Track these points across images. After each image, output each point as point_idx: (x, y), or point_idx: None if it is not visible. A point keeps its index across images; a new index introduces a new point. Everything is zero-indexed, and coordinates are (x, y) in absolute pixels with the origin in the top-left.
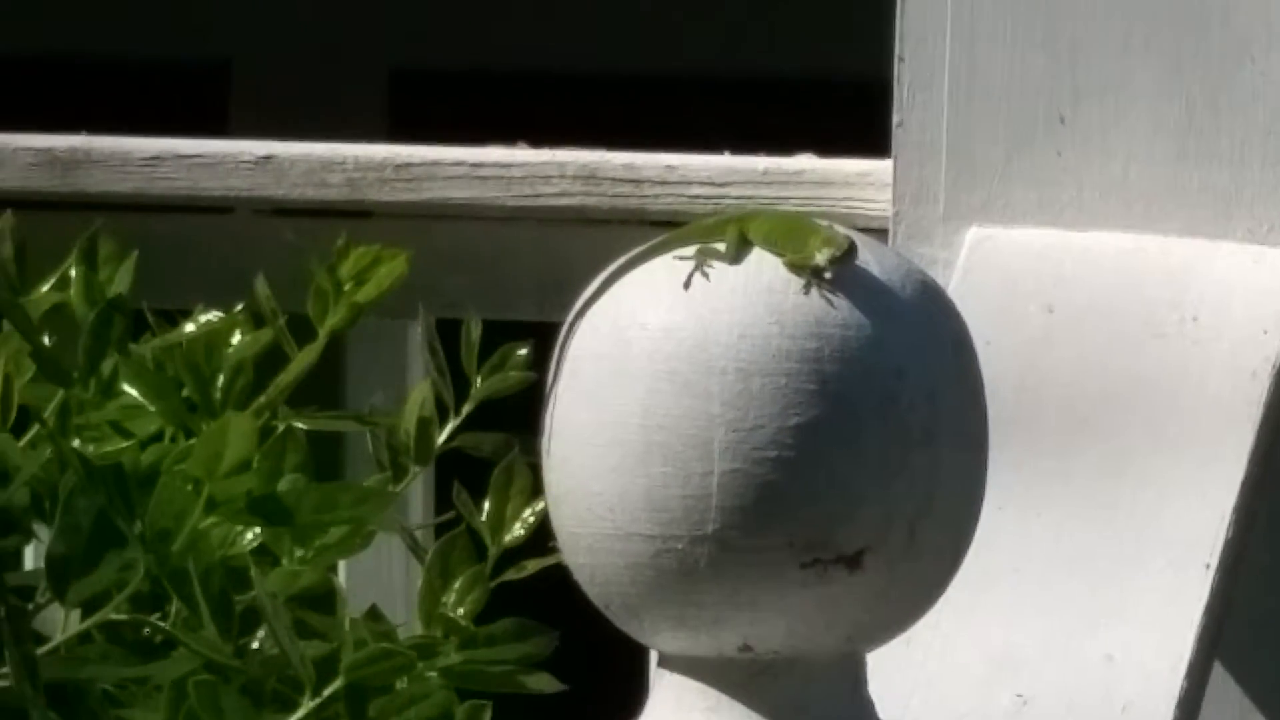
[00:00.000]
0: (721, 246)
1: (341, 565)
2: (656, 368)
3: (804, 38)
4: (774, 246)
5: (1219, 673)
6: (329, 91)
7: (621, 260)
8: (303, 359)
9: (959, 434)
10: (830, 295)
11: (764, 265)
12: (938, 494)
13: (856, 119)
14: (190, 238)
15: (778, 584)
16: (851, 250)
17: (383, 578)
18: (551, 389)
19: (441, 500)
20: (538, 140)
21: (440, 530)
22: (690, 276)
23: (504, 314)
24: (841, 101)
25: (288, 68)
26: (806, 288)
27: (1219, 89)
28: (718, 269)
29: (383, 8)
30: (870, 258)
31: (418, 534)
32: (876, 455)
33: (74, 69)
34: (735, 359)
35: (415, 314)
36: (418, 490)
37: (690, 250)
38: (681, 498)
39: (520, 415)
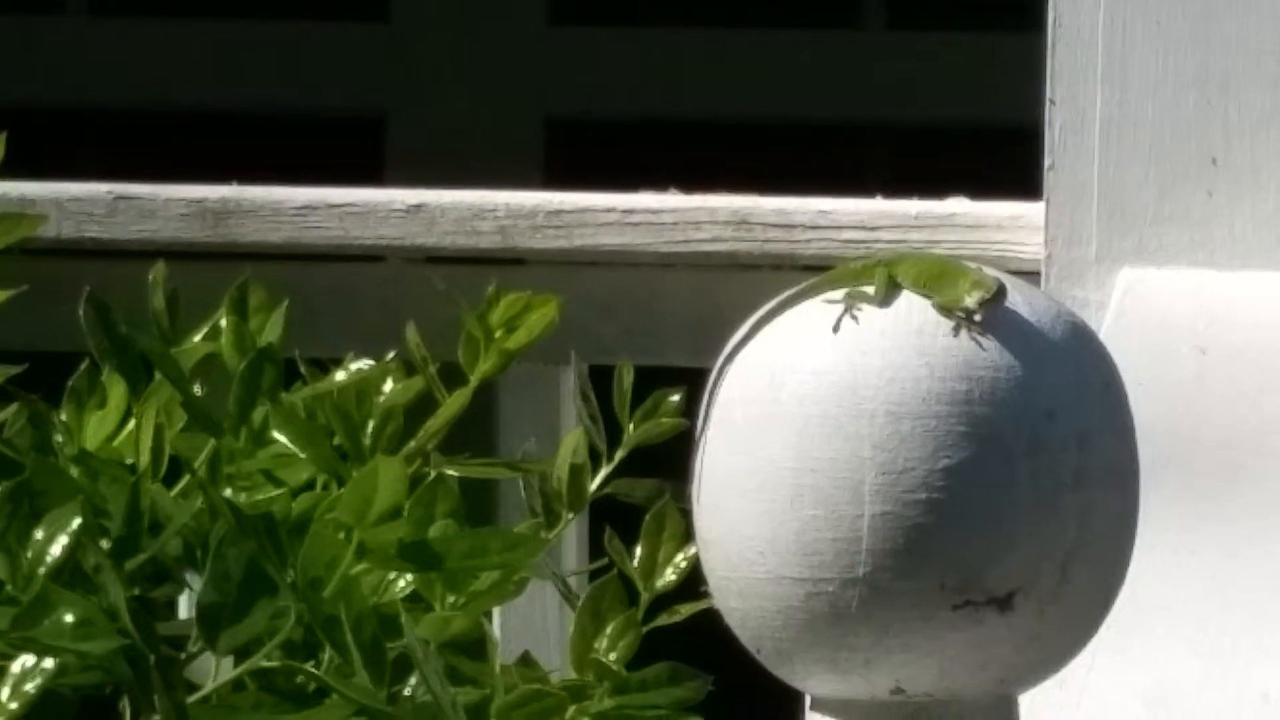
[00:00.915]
0: (870, 289)
1: (496, 613)
2: (807, 411)
3: (958, 83)
4: (922, 289)
5: None
6: (484, 142)
7: (771, 304)
8: (452, 405)
9: (1110, 475)
10: (979, 337)
11: (913, 308)
12: (1089, 535)
13: (1010, 164)
14: (342, 287)
15: (929, 626)
16: (1001, 292)
17: (537, 625)
18: (701, 434)
19: (595, 547)
20: (691, 188)
21: (594, 577)
22: (840, 320)
23: (656, 360)
24: (994, 147)
25: (443, 120)
26: (956, 330)
27: None
28: (866, 312)
29: (539, 58)
30: (1019, 299)
31: (571, 580)
32: (1027, 497)
33: (230, 123)
34: (885, 401)
35: (567, 360)
36: (571, 537)
37: (839, 294)
38: (832, 540)
39: (673, 462)
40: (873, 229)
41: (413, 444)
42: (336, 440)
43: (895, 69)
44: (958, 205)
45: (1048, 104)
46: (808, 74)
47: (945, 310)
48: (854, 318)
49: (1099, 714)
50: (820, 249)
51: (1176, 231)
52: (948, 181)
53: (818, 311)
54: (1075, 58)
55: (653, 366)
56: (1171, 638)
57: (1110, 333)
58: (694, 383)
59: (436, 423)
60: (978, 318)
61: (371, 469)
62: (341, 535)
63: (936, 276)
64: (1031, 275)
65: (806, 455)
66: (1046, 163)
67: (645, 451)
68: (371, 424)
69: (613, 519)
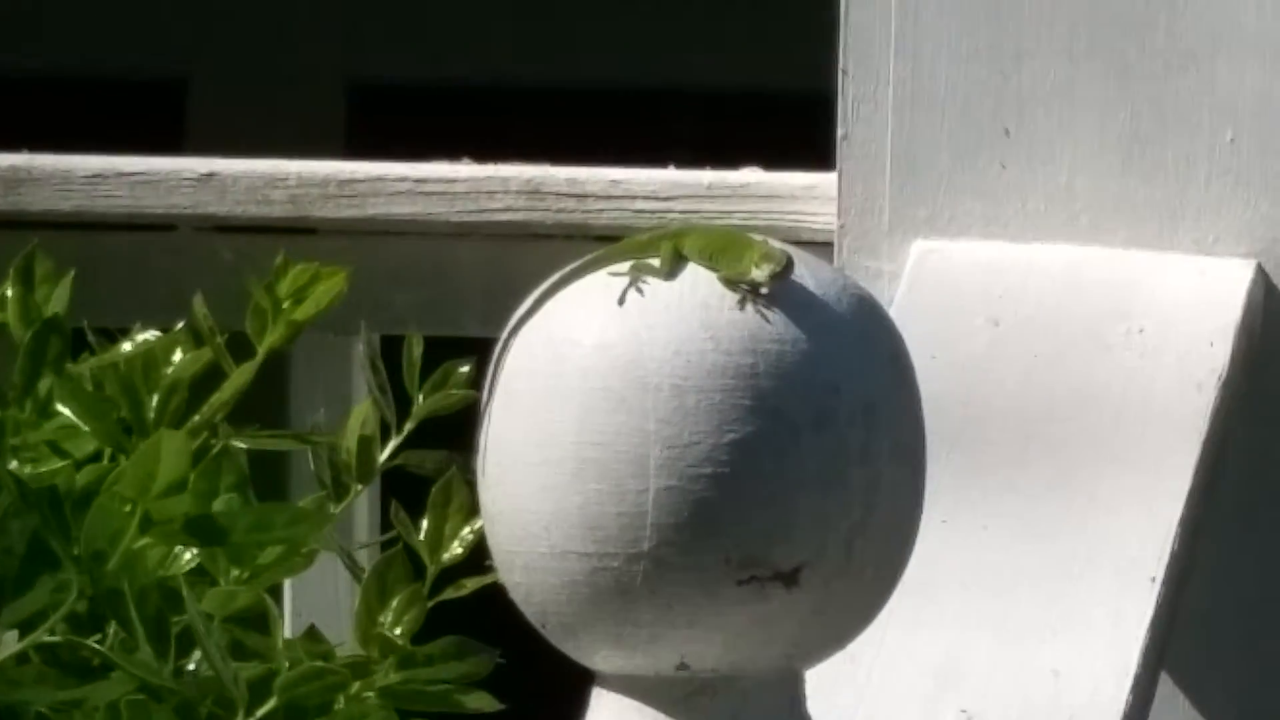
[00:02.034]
0: (656, 262)
1: (287, 587)
2: (591, 384)
3: (750, 51)
4: (709, 262)
5: (1166, 686)
6: (287, 107)
7: (555, 276)
8: (238, 378)
9: (896, 449)
10: (765, 310)
11: (699, 281)
12: (875, 510)
13: (803, 133)
14: (133, 256)
15: (714, 601)
16: (788, 265)
17: (329, 599)
18: (486, 406)
19: (386, 519)
20: (492, 156)
21: (385, 549)
22: (625, 292)
23: (450, 330)
24: (788, 115)
25: (244, 84)
26: (741, 303)
27: (1164, 100)
28: (652, 285)
29: (339, 23)
30: (805, 272)
31: (363, 553)
32: (813, 471)
33: (28, 86)
34: (670, 375)
35: (358, 330)
36: (363, 510)
37: (624, 266)
38: (616, 515)
39: (466, 433)
40: (666, 199)
41: (198, 417)
42: (122, 413)
43: (702, 35)
44: (751, 175)
45: (840, 73)
46: (617, 39)
47: (731, 283)
48: (639, 290)
49: (889, 688)
50: (613, 219)
51: (970, 203)
52: (757, 148)
53: (603, 284)
54: (868, 27)
55: (447, 337)
56: (964, 613)
57: (903, 304)
58: (487, 353)
59: (223, 395)
60: (764, 291)
61: (154, 442)
62: (126, 509)
63: (722, 249)
64: (825, 246)
65: (590, 429)
66: (839, 133)
67: (438, 422)
68: (156, 396)
69: (406, 491)
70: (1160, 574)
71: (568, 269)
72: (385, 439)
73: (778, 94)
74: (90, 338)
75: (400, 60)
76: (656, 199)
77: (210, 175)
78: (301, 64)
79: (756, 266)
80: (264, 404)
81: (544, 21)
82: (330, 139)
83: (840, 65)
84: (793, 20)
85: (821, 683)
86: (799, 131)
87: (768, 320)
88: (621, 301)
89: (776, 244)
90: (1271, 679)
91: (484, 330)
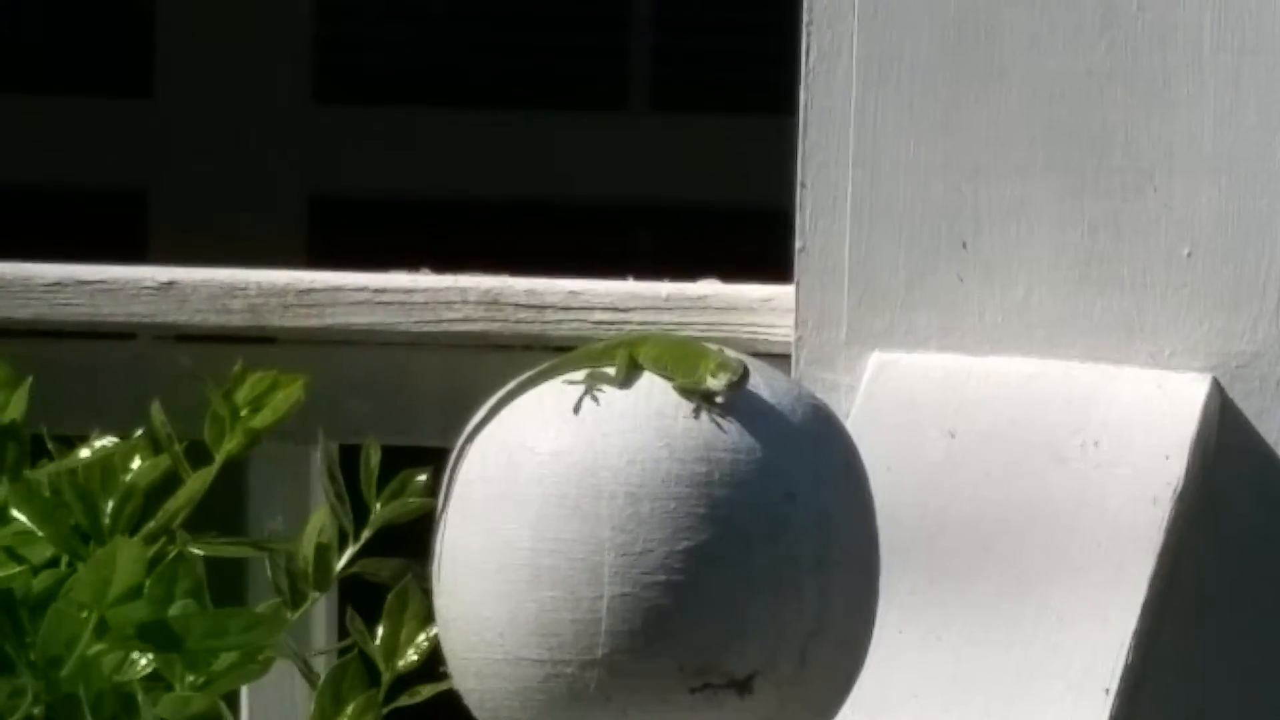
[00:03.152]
0: (611, 370)
1: (244, 692)
2: (546, 491)
3: (710, 166)
4: (664, 370)
5: None
6: (248, 218)
7: (511, 385)
8: (194, 484)
9: (850, 557)
10: (720, 419)
11: (654, 390)
12: (829, 618)
13: (760, 248)
14: (92, 364)
15: (668, 708)
16: (744, 374)
17: (285, 705)
18: (442, 513)
19: (344, 626)
20: (454, 267)
21: (342, 656)
22: (580, 401)
23: (407, 439)
24: (745, 230)
25: (205, 196)
26: (696, 412)
27: (1121, 215)
28: (607, 393)
29: (301, 137)
30: (760, 381)
31: (319, 660)
32: (767, 580)
33: None
34: (625, 483)
35: (317, 438)
36: (320, 617)
37: (580, 374)
38: (571, 621)
39: (423, 540)
40: (624, 310)
41: (153, 523)
42: (78, 519)
43: (659, 151)
44: (709, 287)
45: (799, 186)
46: (574, 155)
47: (686, 392)
48: (594, 399)
49: None
50: (572, 330)
51: (927, 315)
52: (711, 262)
53: (558, 392)
54: (827, 140)
55: (405, 446)
56: None
57: (860, 416)
58: (443, 463)
59: (177, 502)
60: (719, 400)
61: (110, 550)
62: (83, 615)
63: (678, 358)
64: (783, 358)
65: (545, 536)
66: (797, 245)
67: (396, 530)
68: (111, 503)
69: (363, 598)
70: (1114, 685)
71: (524, 376)
72: (343, 547)
73: (735, 209)
74: (49, 444)
75: (361, 174)
76: (615, 310)
77: (170, 284)
78: (263, 176)
79: (713, 375)
80: (222, 513)
81: (505, 136)
82: (291, 251)
83: (799, 179)
84: (752, 136)
85: None
86: (756, 247)
87: (722, 429)
88: (577, 409)
89: (732, 353)
90: None
91: (441, 440)
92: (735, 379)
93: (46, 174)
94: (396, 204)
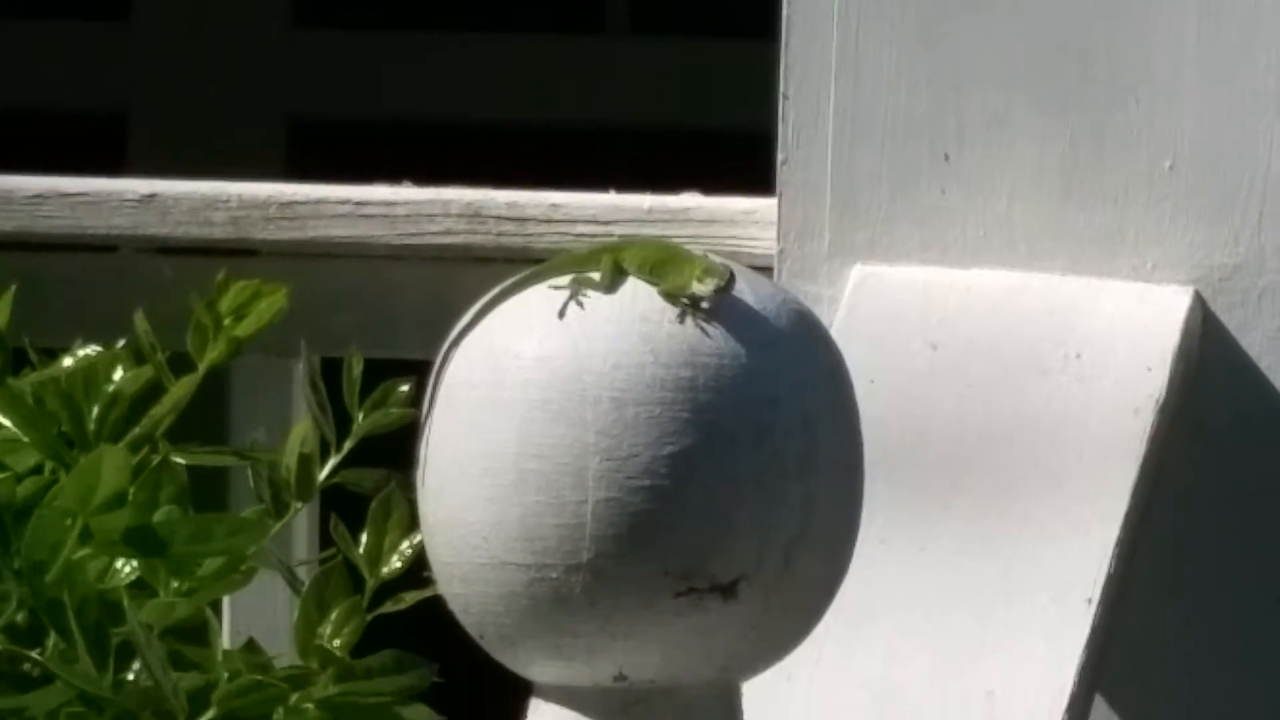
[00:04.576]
0: (596, 276)
1: (225, 604)
2: (531, 397)
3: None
4: (649, 276)
5: (1103, 708)
6: (227, 143)
7: (496, 290)
8: (178, 390)
9: (835, 463)
10: (705, 324)
11: (639, 294)
12: (813, 523)
13: (736, 169)
14: (74, 276)
15: (652, 613)
16: (730, 279)
17: (267, 614)
18: (426, 419)
19: (325, 537)
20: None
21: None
22: (565, 306)
23: (389, 352)
24: (723, 152)
25: (184, 120)
26: (681, 317)
27: (1103, 128)
28: (592, 298)
29: (280, 59)
30: (745, 287)
31: (301, 570)
32: (751, 484)
33: None
34: (610, 388)
35: (299, 352)
36: (302, 526)
37: (565, 279)
38: (556, 526)
39: (403, 452)
40: (606, 223)
41: (138, 430)
42: (63, 427)
43: (639, 73)
44: (691, 200)
45: (781, 99)
46: (553, 77)
47: (671, 297)
48: (579, 304)
49: (825, 707)
50: (553, 242)
51: (909, 228)
52: (691, 185)
53: (543, 297)
54: (809, 52)
55: (386, 359)
56: (900, 633)
57: (842, 328)
58: (426, 374)
59: (163, 409)
60: (704, 305)
61: (95, 456)
62: (67, 521)
63: (662, 263)
64: (764, 271)
65: (530, 441)
66: (779, 157)
67: (376, 442)
68: (96, 410)
69: (344, 510)
70: (1096, 595)
71: (509, 282)
72: (325, 458)
73: (714, 132)
74: (32, 355)
75: (340, 97)
76: (597, 223)
77: (152, 196)
78: (242, 100)
79: (698, 281)
80: (204, 426)
81: (484, 60)
82: (270, 174)
83: (781, 90)
84: (731, 59)
85: (758, 699)
86: (736, 169)
87: (707, 334)
88: (562, 315)
89: (717, 259)
90: (1207, 699)
91: (423, 352)
92: (721, 284)
93: (26, 96)
94: (375, 128)
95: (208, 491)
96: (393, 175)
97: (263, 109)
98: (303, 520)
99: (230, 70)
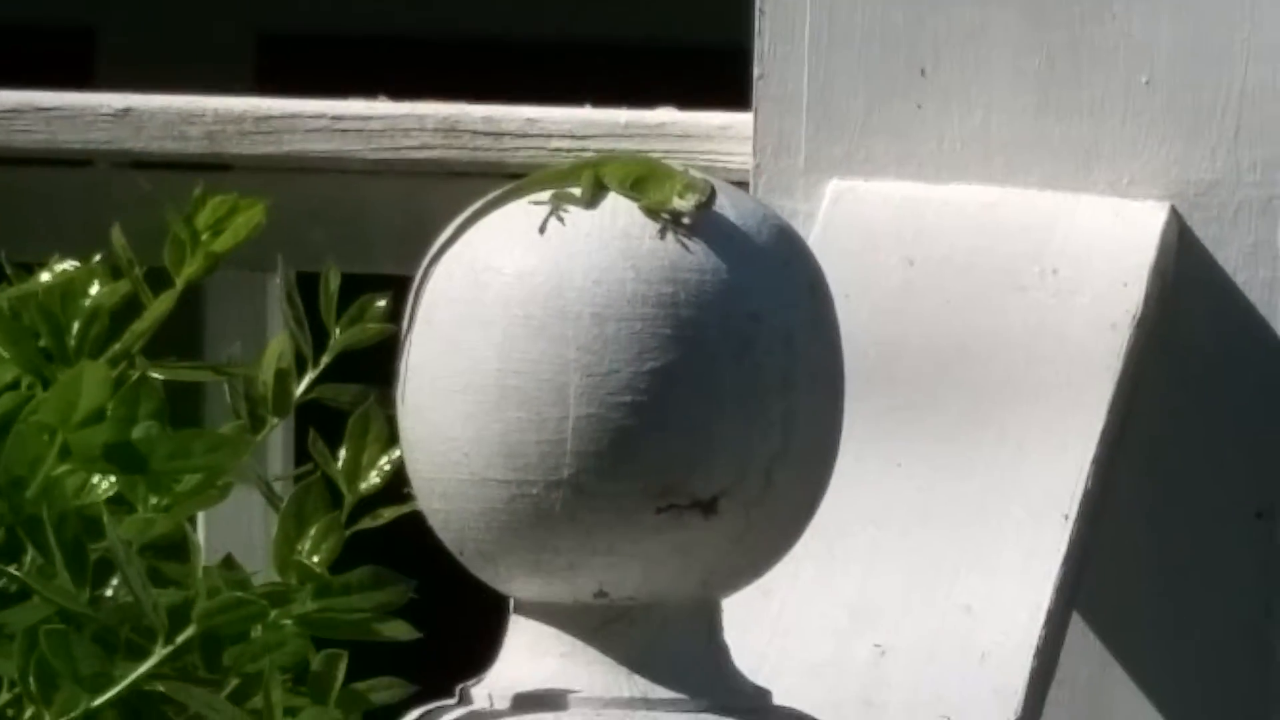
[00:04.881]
0: (577, 191)
1: (201, 519)
2: (511, 312)
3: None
4: (630, 191)
5: (1079, 623)
6: (195, 58)
7: (476, 205)
8: (158, 307)
9: (816, 379)
10: (686, 240)
11: (619, 210)
12: (794, 439)
13: (710, 84)
14: (49, 191)
15: (633, 529)
16: (711, 195)
17: (242, 531)
18: (406, 335)
19: (301, 453)
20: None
21: (299, 483)
22: (545, 221)
23: (365, 267)
24: (696, 67)
25: (152, 34)
26: (662, 232)
27: (1080, 42)
28: (573, 213)
29: None
30: (726, 202)
31: (275, 486)
32: (732, 400)
33: None
34: (590, 304)
35: (275, 267)
36: (277, 443)
37: (545, 195)
38: (537, 443)
39: (379, 368)
40: (582, 138)
41: (118, 346)
42: (42, 342)
43: None
44: (667, 115)
45: (757, 13)
46: None
47: (651, 213)
48: (560, 219)
49: (802, 623)
50: (529, 157)
51: (886, 143)
52: (665, 99)
53: (524, 213)
54: None
55: (362, 274)
56: (877, 549)
57: (818, 243)
58: (402, 289)
59: (143, 325)
60: (685, 220)
61: (76, 372)
62: (46, 437)
63: (644, 178)
64: (740, 185)
65: (511, 357)
66: (755, 72)
67: (352, 358)
68: (76, 325)
69: (320, 426)
70: (1073, 511)
71: (489, 197)
72: (301, 373)
73: (685, 46)
74: (8, 270)
75: (310, 9)
76: (572, 137)
77: (126, 110)
78: (209, 13)
79: (680, 196)
80: (179, 341)
81: None
82: (239, 88)
83: (757, 5)
84: None
85: (736, 616)
86: (712, 86)
87: (688, 249)
88: (542, 230)
89: (698, 174)
90: (1185, 615)
91: (399, 268)
92: (703, 200)
93: None
94: (345, 41)
95: (180, 406)
96: (361, 89)
97: (231, 22)
98: (276, 437)
99: None
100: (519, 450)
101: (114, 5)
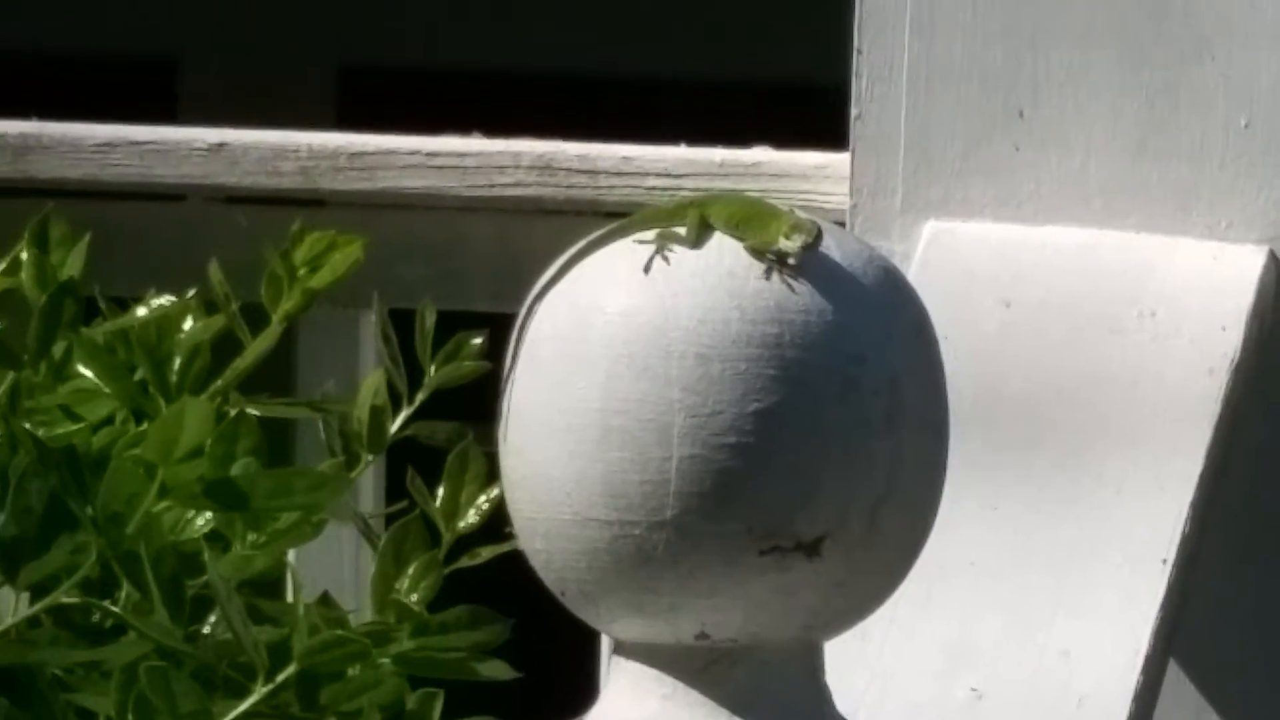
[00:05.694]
0: (682, 230)
1: (291, 555)
2: (616, 351)
3: (763, 40)
4: (735, 231)
5: (1174, 669)
6: (277, 89)
7: (582, 243)
8: (259, 344)
9: (920, 421)
10: (791, 280)
11: (725, 250)
12: (898, 481)
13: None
14: (142, 225)
15: (735, 571)
16: (818, 236)
17: (332, 567)
18: (509, 373)
19: (392, 490)
20: (493, 136)
21: (391, 520)
22: (650, 260)
23: (458, 305)
24: (803, 105)
25: (234, 66)
26: (768, 273)
27: (1179, 85)
28: (678, 253)
29: (334, 5)
30: (831, 243)
31: (372, 525)
32: (837, 442)
33: (22, 64)
34: (695, 343)
35: (368, 304)
36: (369, 480)
37: (651, 234)
38: (639, 483)
39: (474, 406)
40: (677, 176)
41: (219, 382)
42: (138, 376)
43: (703, 23)
44: (763, 154)
45: (855, 53)
46: (612, 30)
47: (757, 253)
48: (665, 258)
49: (901, 665)
50: (624, 195)
51: (983, 184)
52: (759, 139)
53: (629, 251)
54: (884, 6)
55: (455, 311)
56: (974, 592)
57: (915, 284)
58: (497, 327)
59: (245, 362)
60: (791, 261)
61: (179, 408)
62: (143, 472)
63: (749, 218)
64: (837, 226)
65: (614, 396)
66: (853, 112)
67: (448, 396)
68: (178, 360)
69: (413, 464)
70: (1172, 556)
71: (594, 236)
72: (396, 410)
73: (775, 85)
74: (102, 304)
75: (392, 44)
76: (668, 176)
77: (221, 145)
78: (294, 46)
79: (786, 237)
80: (270, 377)
81: (543, 7)
82: (322, 123)
83: (855, 44)
84: (792, 11)
85: (834, 659)
86: (804, 124)
87: (794, 290)
88: (647, 269)
89: (804, 214)
90: (1279, 660)
91: (492, 305)
92: (809, 240)
93: (76, 41)
94: (429, 76)
95: (271, 444)
96: (442, 125)
97: (315, 55)
98: (369, 474)
99: (281, 15)
100: (622, 490)
101: (197, 37)
